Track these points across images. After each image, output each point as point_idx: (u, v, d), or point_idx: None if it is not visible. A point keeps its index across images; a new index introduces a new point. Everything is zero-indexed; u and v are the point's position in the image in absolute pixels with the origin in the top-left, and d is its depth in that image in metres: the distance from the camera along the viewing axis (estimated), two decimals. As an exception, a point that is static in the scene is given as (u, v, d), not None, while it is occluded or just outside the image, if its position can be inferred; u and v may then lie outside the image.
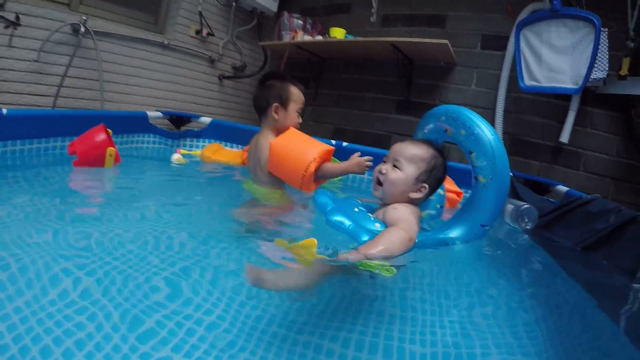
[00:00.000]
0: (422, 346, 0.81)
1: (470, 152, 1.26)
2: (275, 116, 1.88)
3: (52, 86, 2.75)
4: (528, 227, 1.89)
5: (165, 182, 2.03)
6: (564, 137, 2.89)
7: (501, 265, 1.40)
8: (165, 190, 1.87)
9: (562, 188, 2.32)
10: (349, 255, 0.95)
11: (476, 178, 1.27)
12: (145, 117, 2.78)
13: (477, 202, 1.28)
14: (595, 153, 2.92)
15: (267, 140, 1.81)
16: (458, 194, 2.21)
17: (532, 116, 3.11)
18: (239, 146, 3.00)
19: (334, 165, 1.80)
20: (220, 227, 1.33)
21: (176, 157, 2.41)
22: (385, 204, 1.33)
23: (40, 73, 2.69)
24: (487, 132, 1.23)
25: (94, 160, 1.86)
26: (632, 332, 1.09)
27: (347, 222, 1.16)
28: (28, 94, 2.66)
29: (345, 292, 0.99)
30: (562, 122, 2.94)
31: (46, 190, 1.53)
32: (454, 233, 1.28)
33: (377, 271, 0.89)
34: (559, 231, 1.97)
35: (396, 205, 1.26)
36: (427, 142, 1.37)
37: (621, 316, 1.22)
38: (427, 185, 1.31)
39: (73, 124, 2.17)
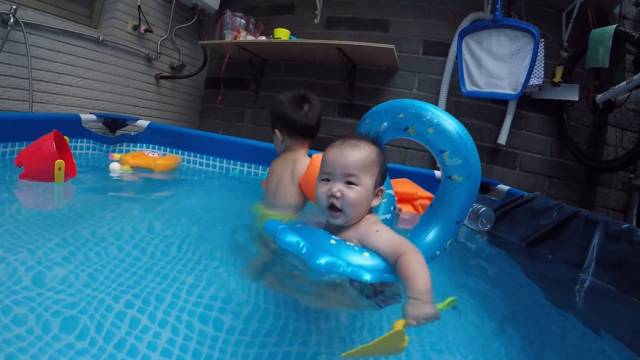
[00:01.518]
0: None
1: (442, 151, 1.15)
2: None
3: None
4: (486, 229, 1.96)
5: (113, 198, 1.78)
6: (502, 139, 3.09)
7: (459, 266, 1.44)
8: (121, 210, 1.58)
9: (503, 187, 2.45)
10: (425, 311, 0.77)
11: (449, 177, 1.18)
12: (78, 120, 2.57)
13: (451, 201, 1.19)
14: (530, 153, 3.17)
15: (306, 157, 1.71)
16: (430, 198, 2.19)
17: (471, 119, 3.27)
18: (178, 152, 2.88)
19: None
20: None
21: (116, 165, 2.24)
22: (347, 226, 1.09)
23: None
24: (458, 129, 1.14)
25: (42, 173, 1.61)
26: (585, 318, 1.17)
27: (340, 262, 0.94)
28: None
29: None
30: (499, 124, 3.14)
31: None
32: (432, 235, 1.21)
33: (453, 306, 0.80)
34: (504, 228, 2.07)
35: (377, 227, 1.05)
36: (362, 138, 1.15)
37: (573, 305, 1.31)
38: (382, 188, 1.16)
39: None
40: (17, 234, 1.09)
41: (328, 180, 1.07)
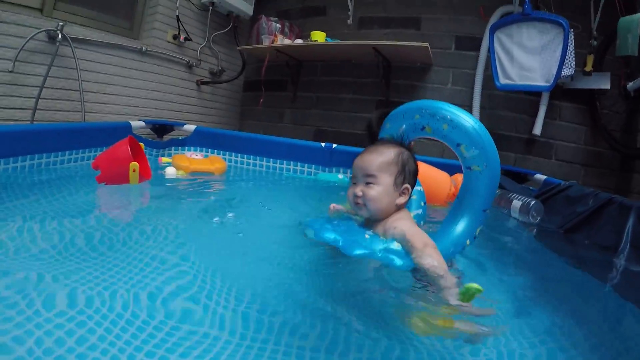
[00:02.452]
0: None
1: (459, 145, 1.22)
2: None
3: (29, 98, 2.59)
4: (536, 221, 1.98)
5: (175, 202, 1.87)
6: (537, 130, 3.13)
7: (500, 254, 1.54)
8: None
9: (540, 176, 2.51)
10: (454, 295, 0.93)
11: (469, 168, 1.24)
12: (129, 127, 2.71)
13: (475, 190, 1.26)
14: (565, 142, 3.19)
15: None
16: None
17: (505, 111, 3.33)
18: (224, 153, 3.02)
19: None
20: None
21: (172, 170, 2.32)
22: (377, 220, 1.26)
23: (16, 84, 2.53)
24: (471, 121, 1.21)
25: (117, 176, 1.74)
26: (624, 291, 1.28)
27: (377, 249, 1.10)
28: (3, 108, 2.48)
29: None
30: (533, 116, 3.18)
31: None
32: (461, 225, 1.28)
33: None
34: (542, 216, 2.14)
35: (395, 224, 1.19)
36: (384, 142, 1.31)
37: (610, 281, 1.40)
38: (408, 186, 1.26)
39: (58, 137, 2.12)
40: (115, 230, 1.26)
41: (355, 183, 1.25)
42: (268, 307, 0.91)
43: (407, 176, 1.25)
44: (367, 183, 1.22)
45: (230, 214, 1.59)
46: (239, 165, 3.00)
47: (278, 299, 0.96)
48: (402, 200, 1.24)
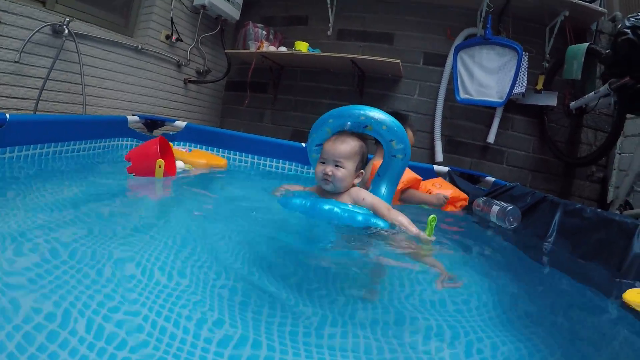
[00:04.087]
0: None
1: (391, 140, 1.71)
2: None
3: (32, 89, 2.70)
4: (513, 226, 2.10)
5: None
6: (491, 138, 3.59)
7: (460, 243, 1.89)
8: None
9: (490, 179, 2.92)
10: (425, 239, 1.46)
11: (394, 156, 1.77)
12: (125, 121, 2.87)
13: (395, 171, 1.84)
14: (516, 150, 3.68)
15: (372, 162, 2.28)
16: (466, 199, 2.61)
17: (464, 121, 3.76)
18: (214, 150, 3.24)
19: (419, 193, 2.44)
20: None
21: (181, 164, 2.41)
22: (337, 193, 1.65)
23: (20, 75, 2.63)
24: (397, 124, 1.70)
25: (145, 169, 1.91)
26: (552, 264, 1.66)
27: (337, 210, 1.51)
28: (6, 97, 2.58)
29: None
30: (488, 126, 3.64)
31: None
32: (385, 191, 1.84)
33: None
34: (490, 212, 2.53)
35: (362, 195, 1.63)
36: (351, 135, 1.67)
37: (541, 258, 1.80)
38: (362, 171, 1.71)
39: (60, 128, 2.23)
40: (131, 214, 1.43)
41: (324, 162, 1.63)
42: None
43: (363, 164, 1.70)
44: (337, 165, 1.60)
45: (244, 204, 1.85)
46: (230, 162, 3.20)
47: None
48: (357, 180, 1.69)
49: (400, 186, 2.28)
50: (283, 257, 1.25)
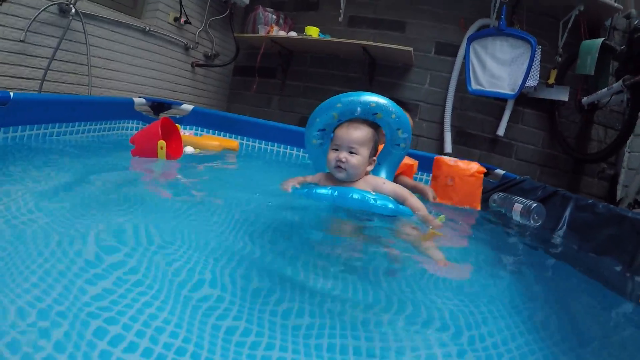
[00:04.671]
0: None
1: (398, 129, 1.69)
2: None
3: (36, 69, 2.65)
4: (538, 224, 1.99)
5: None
6: (500, 131, 3.54)
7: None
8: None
9: (500, 171, 2.88)
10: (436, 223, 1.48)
11: (398, 145, 1.77)
12: (131, 103, 2.84)
13: (396, 158, 1.86)
14: (525, 144, 3.63)
15: None
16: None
17: (474, 113, 3.72)
18: (221, 134, 3.23)
19: (410, 181, 2.35)
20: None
21: (189, 149, 2.40)
22: (349, 181, 1.60)
23: (25, 54, 2.58)
24: (404, 114, 1.69)
25: (148, 151, 1.90)
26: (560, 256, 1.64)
27: (368, 197, 1.48)
28: (11, 77, 2.53)
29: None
30: (499, 118, 3.59)
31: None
32: (385, 174, 1.85)
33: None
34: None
35: (381, 181, 1.64)
36: (364, 122, 1.63)
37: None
38: (375, 158, 1.67)
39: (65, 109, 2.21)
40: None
41: (337, 149, 1.58)
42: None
43: (375, 151, 1.67)
44: (351, 152, 1.55)
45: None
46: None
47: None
48: (370, 168, 1.65)
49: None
50: (290, 241, 1.25)
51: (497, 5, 3.25)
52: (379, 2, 4.05)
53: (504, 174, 2.79)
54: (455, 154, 3.61)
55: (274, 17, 4.09)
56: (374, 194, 1.52)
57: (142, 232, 0.98)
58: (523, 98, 3.51)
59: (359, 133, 1.58)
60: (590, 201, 1.92)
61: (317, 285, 0.92)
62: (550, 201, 2.17)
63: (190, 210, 1.31)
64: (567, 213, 2.01)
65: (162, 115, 3.27)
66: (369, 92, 1.64)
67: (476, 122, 3.72)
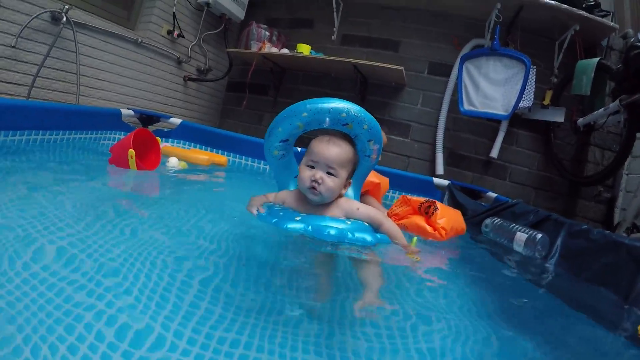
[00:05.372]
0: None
1: (370, 140, 1.51)
2: None
3: (26, 75, 2.67)
4: (542, 255, 1.89)
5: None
6: (494, 153, 3.47)
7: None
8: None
9: (492, 194, 2.81)
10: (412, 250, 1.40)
11: (368, 156, 1.58)
12: (119, 114, 2.81)
13: (364, 171, 1.66)
14: (519, 167, 3.56)
15: None
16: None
17: (467, 134, 3.66)
18: (209, 149, 3.17)
19: (377, 203, 2.25)
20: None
21: (174, 161, 2.38)
22: (327, 204, 1.42)
23: (16, 60, 2.60)
24: (377, 124, 1.52)
25: (120, 160, 1.92)
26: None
27: (348, 232, 1.30)
28: (1, 81, 2.55)
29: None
30: (492, 140, 3.52)
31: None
32: (352, 192, 1.69)
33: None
34: (490, 228, 2.41)
35: (355, 205, 1.45)
36: (343, 137, 1.45)
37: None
38: (351, 180, 1.50)
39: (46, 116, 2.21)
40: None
41: (312, 167, 1.38)
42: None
43: (353, 173, 1.50)
44: (329, 173, 1.36)
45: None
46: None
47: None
48: (344, 191, 1.47)
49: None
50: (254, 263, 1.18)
51: (492, 25, 3.22)
52: (372, 21, 4.04)
53: (496, 197, 2.73)
54: (447, 175, 3.54)
55: (267, 33, 4.07)
56: (350, 222, 1.36)
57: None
58: (517, 119, 3.46)
59: (341, 152, 1.39)
60: (585, 226, 1.83)
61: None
62: (543, 227, 2.08)
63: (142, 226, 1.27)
64: (559, 240, 1.91)
65: (151, 128, 3.19)
66: (338, 99, 1.46)
67: (469, 143, 3.66)
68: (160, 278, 0.91)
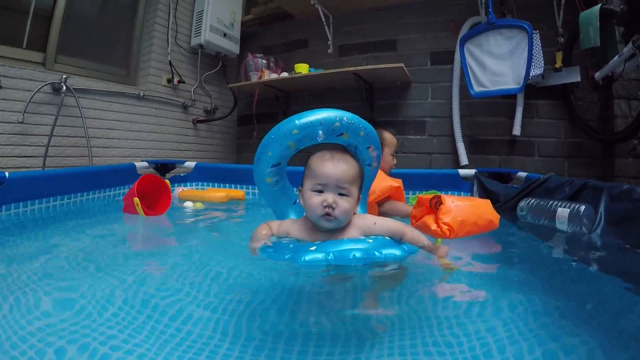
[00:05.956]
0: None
1: (369, 147, 1.42)
2: None
3: (38, 146, 2.79)
4: (589, 229, 1.73)
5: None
6: (516, 130, 3.29)
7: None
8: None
9: (522, 174, 2.63)
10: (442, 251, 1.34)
11: (369, 165, 1.47)
12: (133, 168, 2.86)
13: (369, 180, 1.55)
14: (546, 139, 3.34)
15: None
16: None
17: (484, 117, 3.49)
18: (226, 185, 3.17)
19: (402, 205, 2.13)
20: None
21: (189, 204, 2.43)
22: (342, 228, 1.27)
23: (25, 134, 2.73)
24: (373, 128, 1.42)
25: (128, 207, 1.98)
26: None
27: (375, 252, 1.17)
28: (15, 157, 2.67)
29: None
30: (512, 117, 3.34)
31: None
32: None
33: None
34: (526, 208, 2.25)
35: (371, 220, 1.30)
36: (344, 151, 1.34)
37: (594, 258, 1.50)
38: (360, 196, 1.34)
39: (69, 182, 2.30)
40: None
41: (321, 191, 1.22)
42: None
43: (362, 187, 1.34)
44: (341, 194, 1.21)
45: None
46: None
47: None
48: (356, 209, 1.31)
49: (375, 197, 2.02)
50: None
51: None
52: (365, 25, 3.98)
53: (527, 175, 2.56)
54: (473, 164, 3.38)
55: (264, 61, 4.08)
56: (371, 240, 1.21)
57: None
58: (533, 90, 3.26)
59: (349, 168, 1.23)
60: (626, 187, 1.67)
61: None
62: (581, 196, 1.92)
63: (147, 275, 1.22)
64: (601, 207, 1.76)
65: (169, 175, 3.28)
66: (328, 108, 1.35)
67: (489, 126, 3.49)
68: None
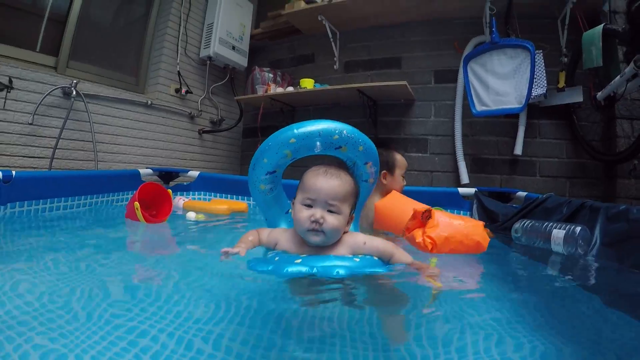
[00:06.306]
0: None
1: (366, 162, 1.41)
2: (384, 181, 2.25)
3: (46, 148, 2.86)
4: (584, 252, 1.71)
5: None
6: (518, 150, 3.29)
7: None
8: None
9: (522, 193, 2.64)
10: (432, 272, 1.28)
11: (366, 181, 1.49)
12: (138, 174, 2.91)
13: (364, 196, 1.55)
14: (547, 158, 3.32)
15: (373, 202, 2.08)
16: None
17: (487, 136, 3.50)
18: (228, 196, 3.19)
19: None
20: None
21: (192, 214, 2.41)
22: (331, 245, 1.25)
23: (34, 135, 2.79)
24: (374, 146, 1.42)
25: (130, 213, 2.02)
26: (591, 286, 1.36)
27: (359, 270, 1.16)
28: (23, 157, 2.74)
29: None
30: (513, 137, 3.34)
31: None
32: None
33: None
34: (524, 228, 2.25)
35: (360, 239, 1.27)
36: (340, 165, 1.32)
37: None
38: (353, 215, 1.31)
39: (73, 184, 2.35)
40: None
41: (310, 206, 1.21)
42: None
43: (355, 206, 1.31)
44: (330, 211, 1.20)
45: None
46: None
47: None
48: (347, 228, 1.29)
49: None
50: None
51: (487, 18, 3.11)
52: (371, 42, 4.04)
53: (526, 195, 2.56)
54: (474, 182, 3.39)
55: (271, 75, 4.14)
56: (358, 259, 1.20)
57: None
58: (536, 109, 3.28)
59: (341, 185, 1.22)
60: (623, 207, 1.67)
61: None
62: (578, 217, 1.92)
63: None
64: (598, 227, 1.76)
65: (173, 183, 3.32)
66: (327, 120, 1.36)
67: (490, 145, 3.50)
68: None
